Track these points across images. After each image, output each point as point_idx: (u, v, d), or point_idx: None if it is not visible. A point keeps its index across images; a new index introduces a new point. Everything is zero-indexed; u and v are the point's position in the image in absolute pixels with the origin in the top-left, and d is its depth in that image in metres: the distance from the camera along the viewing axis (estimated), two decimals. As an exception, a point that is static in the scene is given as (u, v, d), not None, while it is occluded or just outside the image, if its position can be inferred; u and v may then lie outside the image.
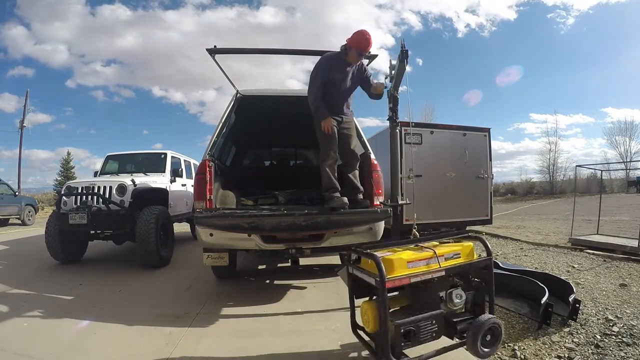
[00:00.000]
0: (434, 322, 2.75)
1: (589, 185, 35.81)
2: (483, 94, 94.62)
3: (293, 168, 8.71)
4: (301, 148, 8.89)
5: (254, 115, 6.87)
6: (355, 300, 3.19)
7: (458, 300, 2.91)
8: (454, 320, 2.90)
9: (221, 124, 5.32)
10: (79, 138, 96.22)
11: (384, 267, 2.56)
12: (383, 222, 4.79)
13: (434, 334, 2.77)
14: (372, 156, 5.19)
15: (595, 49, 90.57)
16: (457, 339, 2.91)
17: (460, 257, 3.02)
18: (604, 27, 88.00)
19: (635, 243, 7.25)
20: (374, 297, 2.89)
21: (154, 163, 9.91)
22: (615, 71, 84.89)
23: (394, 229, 4.64)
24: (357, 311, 3.08)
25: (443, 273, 2.83)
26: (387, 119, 4.68)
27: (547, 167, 46.33)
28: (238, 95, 5.77)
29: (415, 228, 3.82)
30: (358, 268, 2.96)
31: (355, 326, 3.20)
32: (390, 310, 2.70)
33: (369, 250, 2.91)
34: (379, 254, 2.81)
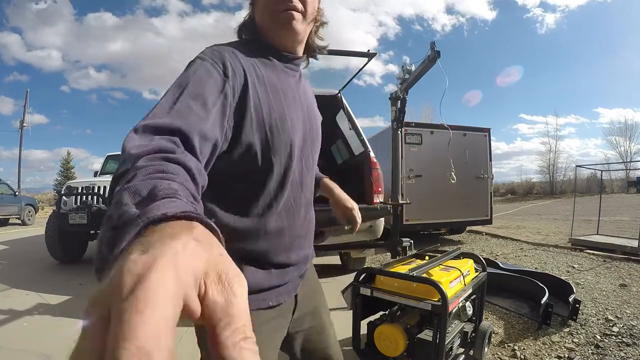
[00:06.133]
0: (460, 335, 2.81)
1: (589, 186, 35.81)
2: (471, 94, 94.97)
3: None
4: None
5: None
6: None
7: (469, 312, 2.91)
8: (465, 330, 2.93)
9: None
10: (75, 138, 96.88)
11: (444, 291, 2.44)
12: (383, 220, 4.79)
13: (459, 347, 2.82)
14: (372, 154, 5.19)
15: (584, 50, 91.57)
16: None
17: (469, 273, 3.03)
18: (593, 26, 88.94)
19: (635, 243, 7.24)
20: (389, 319, 2.80)
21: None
22: (604, 71, 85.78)
23: (394, 228, 4.64)
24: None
25: (470, 290, 2.85)
26: (393, 120, 4.69)
27: (546, 167, 46.40)
28: None
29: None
30: (375, 288, 2.82)
31: (359, 348, 2.99)
32: (408, 327, 2.68)
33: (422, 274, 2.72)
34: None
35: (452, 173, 4.79)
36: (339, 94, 5.81)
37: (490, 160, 10.36)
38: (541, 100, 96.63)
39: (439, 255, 3.25)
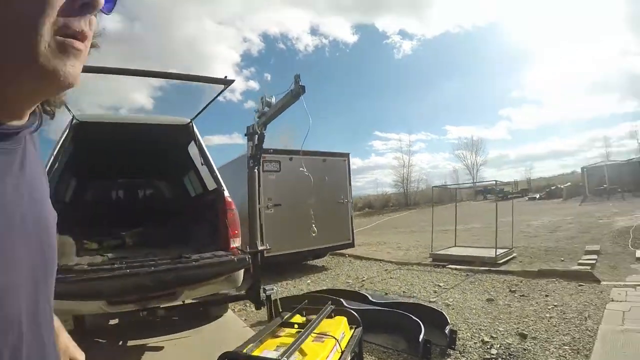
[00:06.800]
0: None
1: (441, 197, 38.59)
2: (330, 113, 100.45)
3: (142, 200, 7.99)
4: (149, 178, 8.13)
5: (94, 144, 5.85)
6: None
7: None
8: None
9: (53, 157, 4.31)
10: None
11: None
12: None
13: None
14: (226, 193, 4.61)
15: (436, 74, 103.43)
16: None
17: (345, 335, 2.68)
18: (445, 54, 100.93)
19: (492, 253, 7.60)
20: None
21: None
22: (453, 93, 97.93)
23: (255, 277, 4.17)
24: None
25: (349, 356, 2.51)
26: (249, 157, 4.26)
27: (401, 181, 49.89)
28: (74, 121, 4.76)
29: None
30: None
31: None
32: None
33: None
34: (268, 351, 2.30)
35: (313, 225, 4.68)
36: (191, 123, 5.17)
37: (350, 184, 10.49)
38: (395, 119, 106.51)
39: (310, 321, 2.78)
